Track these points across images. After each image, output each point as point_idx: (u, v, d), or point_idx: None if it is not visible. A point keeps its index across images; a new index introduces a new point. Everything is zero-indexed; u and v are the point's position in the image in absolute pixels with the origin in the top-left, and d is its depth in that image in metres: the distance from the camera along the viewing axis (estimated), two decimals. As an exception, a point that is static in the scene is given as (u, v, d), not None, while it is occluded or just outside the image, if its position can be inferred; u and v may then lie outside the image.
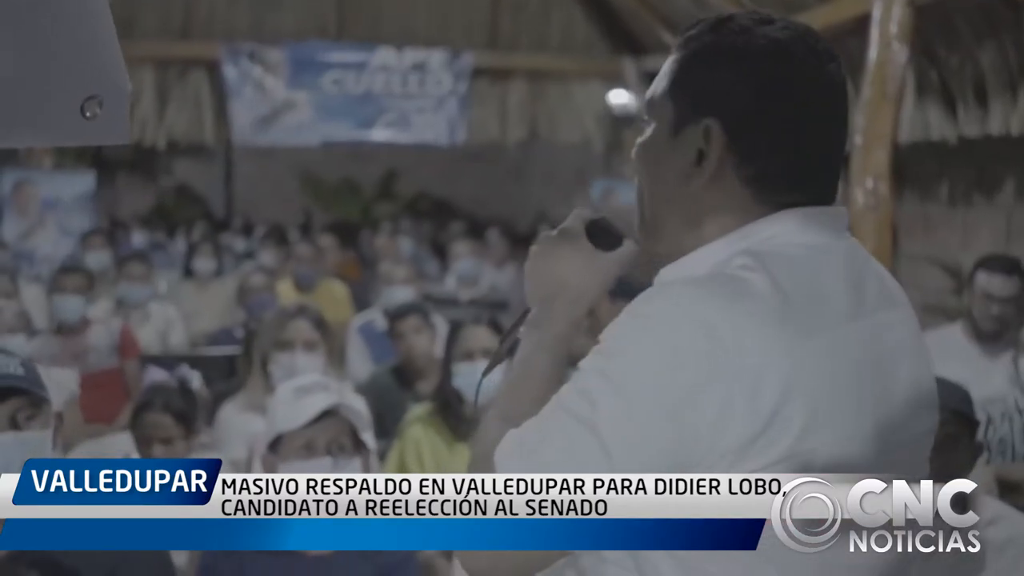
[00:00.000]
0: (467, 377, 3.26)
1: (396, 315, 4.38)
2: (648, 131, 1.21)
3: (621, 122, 9.04)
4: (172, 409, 3.05)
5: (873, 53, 4.99)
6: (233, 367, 4.74)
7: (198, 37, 8.35)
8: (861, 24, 5.23)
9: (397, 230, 11.10)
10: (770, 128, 1.14)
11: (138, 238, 10.31)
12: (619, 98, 8.94)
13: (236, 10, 8.46)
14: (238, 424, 3.56)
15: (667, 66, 1.21)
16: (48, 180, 8.05)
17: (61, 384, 3.85)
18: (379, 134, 8.64)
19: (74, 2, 0.99)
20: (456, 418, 3.31)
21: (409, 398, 3.97)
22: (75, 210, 7.91)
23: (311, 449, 2.28)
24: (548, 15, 8.94)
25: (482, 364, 3.23)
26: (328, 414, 2.29)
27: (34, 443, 2.03)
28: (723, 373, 1.02)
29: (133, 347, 5.03)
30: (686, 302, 1.07)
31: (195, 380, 3.35)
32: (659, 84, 1.21)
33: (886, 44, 4.94)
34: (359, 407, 2.48)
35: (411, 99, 8.54)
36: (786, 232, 1.13)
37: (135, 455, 3.13)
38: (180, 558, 2.74)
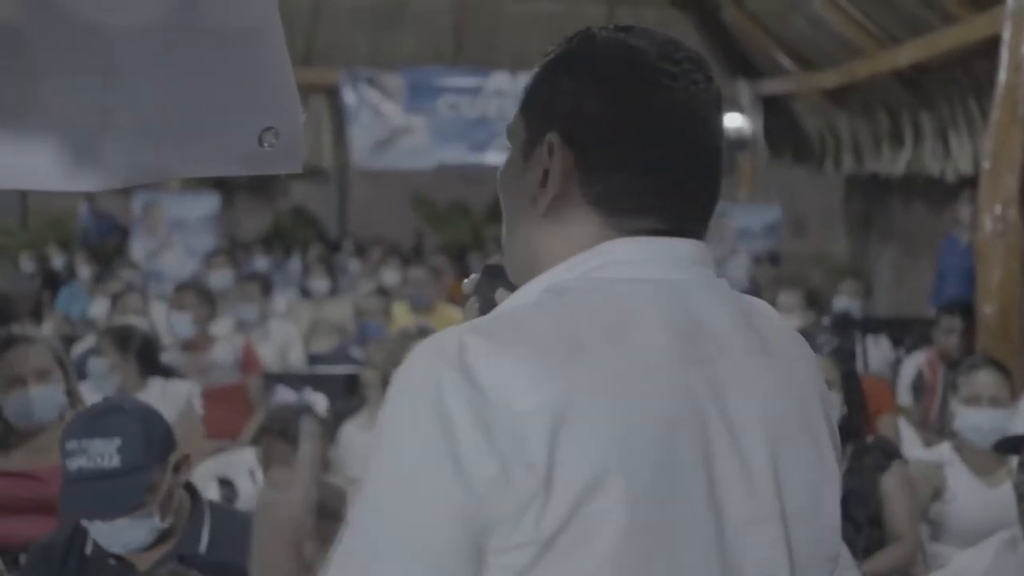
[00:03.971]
0: None
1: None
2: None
3: (735, 146, 8.95)
4: (288, 435, 3.12)
5: (1003, 76, 4.84)
6: (350, 385, 4.83)
7: (319, 63, 8.57)
8: (990, 46, 5.08)
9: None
10: (613, 139, 1.01)
11: (258, 258, 10.61)
12: (733, 122, 8.86)
13: (356, 36, 8.66)
14: (359, 443, 3.62)
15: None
16: (175, 202, 8.35)
17: (181, 396, 3.97)
18: (492, 157, 8.73)
19: (254, 39, 1.04)
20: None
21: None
22: (200, 230, 8.18)
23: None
24: (662, 39, 8.93)
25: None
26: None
27: (139, 525, 2.10)
28: (491, 430, 0.87)
29: (255, 364, 5.17)
30: (435, 362, 0.92)
31: (320, 404, 3.43)
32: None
33: (1016, 67, 4.79)
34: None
35: (524, 123, 8.61)
36: (613, 263, 0.99)
37: (259, 472, 3.21)
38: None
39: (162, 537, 2.16)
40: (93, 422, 2.15)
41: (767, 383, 1.01)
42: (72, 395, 2.83)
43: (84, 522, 2.14)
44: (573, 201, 1.02)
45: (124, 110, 1.04)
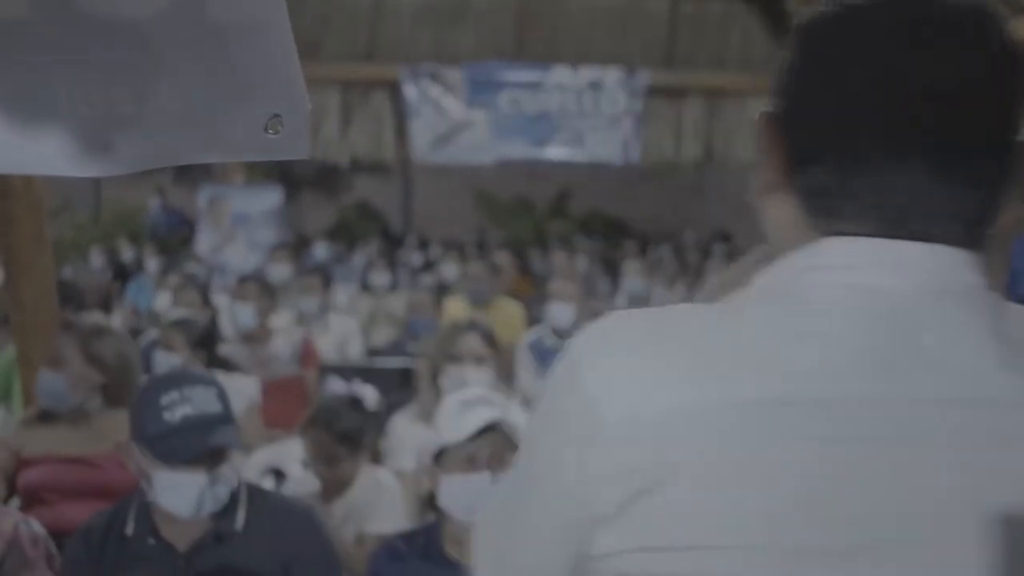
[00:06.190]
0: None
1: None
2: None
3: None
4: (335, 429, 3.13)
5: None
6: (405, 378, 4.87)
7: (382, 59, 8.64)
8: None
9: (571, 248, 11.17)
10: (814, 123, 0.84)
11: (321, 252, 10.74)
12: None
13: (419, 32, 8.72)
14: (408, 435, 3.65)
15: None
16: (239, 196, 8.49)
17: (242, 391, 4.05)
18: (553, 152, 8.73)
19: (260, 30, 1.05)
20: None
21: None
22: (263, 224, 8.31)
23: (473, 463, 2.30)
24: (727, 32, 8.84)
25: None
26: (490, 428, 2.32)
27: (224, 481, 2.15)
28: (578, 430, 0.82)
29: (313, 357, 5.24)
30: (574, 347, 0.87)
31: (369, 396, 3.45)
32: None
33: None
34: (522, 422, 2.50)
35: (585, 118, 8.60)
36: (819, 267, 0.82)
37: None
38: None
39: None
40: (184, 375, 2.27)
41: (1006, 449, 0.76)
42: (106, 388, 2.89)
43: (159, 495, 2.16)
44: (785, 189, 0.87)
45: (130, 100, 1.07)
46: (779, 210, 0.87)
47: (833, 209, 0.83)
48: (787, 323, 0.80)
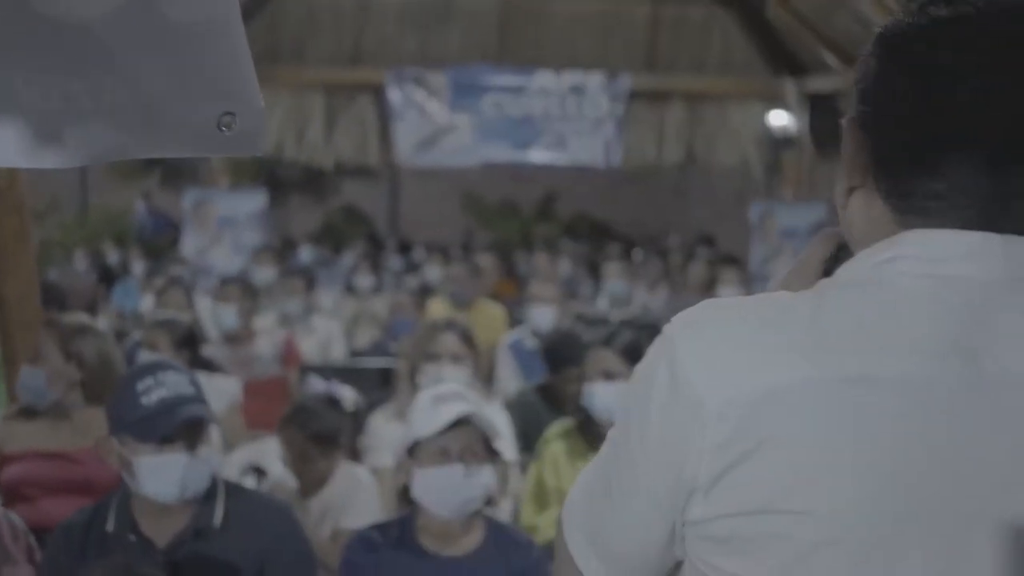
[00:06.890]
0: (595, 397, 3.31)
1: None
2: None
3: (780, 144, 8.91)
4: (309, 429, 3.18)
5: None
6: (386, 378, 4.92)
7: (367, 62, 8.69)
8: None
9: (555, 250, 11.23)
10: (904, 131, 0.88)
11: (307, 255, 10.77)
12: (779, 119, 8.82)
13: (403, 36, 8.76)
14: (385, 432, 3.70)
15: None
16: (225, 199, 8.52)
17: (224, 391, 4.10)
18: (536, 156, 8.78)
19: (212, 29, 1.11)
20: (595, 434, 3.35)
21: (554, 415, 4.04)
22: (248, 227, 8.34)
23: (445, 455, 2.36)
24: (708, 36, 8.91)
25: (608, 385, 3.28)
26: (463, 422, 2.38)
27: (204, 461, 2.21)
28: (679, 401, 0.88)
29: (295, 357, 5.28)
30: (668, 329, 0.92)
31: (347, 397, 3.50)
32: None
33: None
34: (494, 417, 2.56)
35: (568, 121, 8.65)
36: (901, 258, 0.87)
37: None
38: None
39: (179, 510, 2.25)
40: (154, 363, 2.35)
41: None
42: (86, 385, 2.93)
43: (142, 483, 2.21)
44: (869, 188, 0.92)
45: (85, 96, 1.12)
46: (862, 208, 0.92)
47: (919, 209, 0.88)
48: (870, 308, 0.86)
